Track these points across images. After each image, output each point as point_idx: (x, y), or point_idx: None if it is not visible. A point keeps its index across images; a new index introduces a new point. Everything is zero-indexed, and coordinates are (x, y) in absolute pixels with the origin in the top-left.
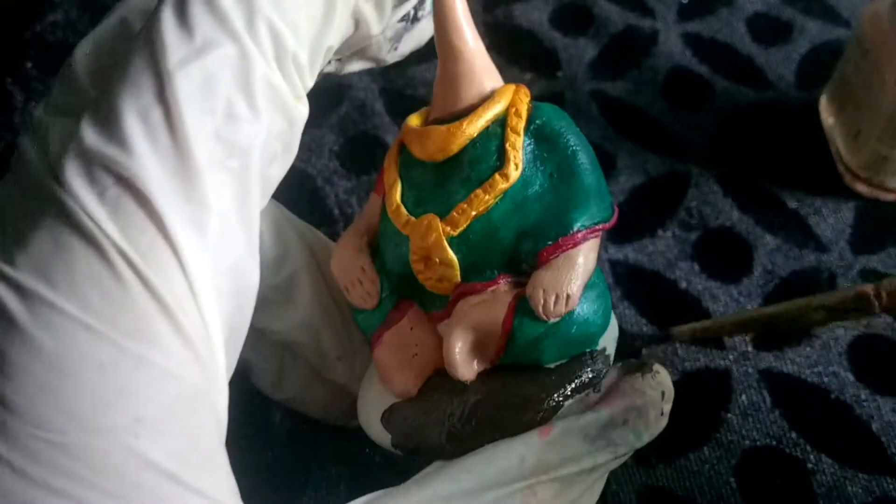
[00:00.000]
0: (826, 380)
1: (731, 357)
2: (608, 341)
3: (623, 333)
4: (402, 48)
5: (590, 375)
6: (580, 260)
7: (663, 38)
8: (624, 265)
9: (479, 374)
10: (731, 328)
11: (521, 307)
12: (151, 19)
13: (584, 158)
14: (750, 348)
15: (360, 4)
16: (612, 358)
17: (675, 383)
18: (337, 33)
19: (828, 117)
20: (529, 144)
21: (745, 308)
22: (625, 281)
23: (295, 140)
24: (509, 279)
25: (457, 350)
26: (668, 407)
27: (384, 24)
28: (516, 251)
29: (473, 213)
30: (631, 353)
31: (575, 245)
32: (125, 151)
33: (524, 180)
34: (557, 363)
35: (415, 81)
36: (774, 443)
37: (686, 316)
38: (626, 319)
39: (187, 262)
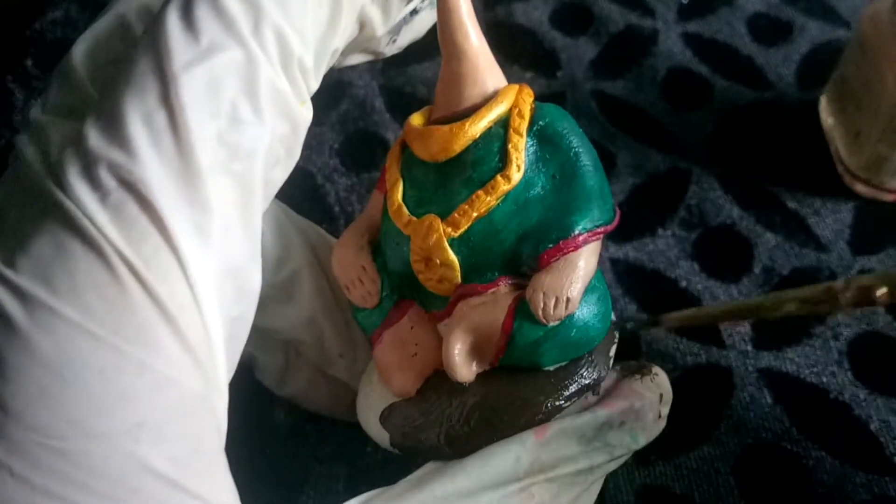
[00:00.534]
0: (825, 379)
1: (731, 355)
2: (608, 344)
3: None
4: (400, 41)
5: (589, 379)
6: (581, 263)
7: (663, 37)
8: (624, 263)
9: (479, 376)
10: (719, 316)
11: (521, 310)
12: (156, 21)
13: (587, 160)
14: (750, 347)
15: (366, 7)
16: (611, 361)
17: (675, 381)
18: (342, 36)
19: (827, 117)
20: (532, 146)
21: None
22: (625, 279)
23: (298, 144)
24: (510, 281)
25: (456, 351)
26: (665, 410)
27: (389, 25)
28: (517, 253)
29: (475, 214)
30: (621, 336)
31: (576, 248)
32: (128, 154)
33: (526, 182)
34: (557, 366)
35: (415, 79)
36: (774, 441)
37: None
38: (627, 315)
39: (189, 266)
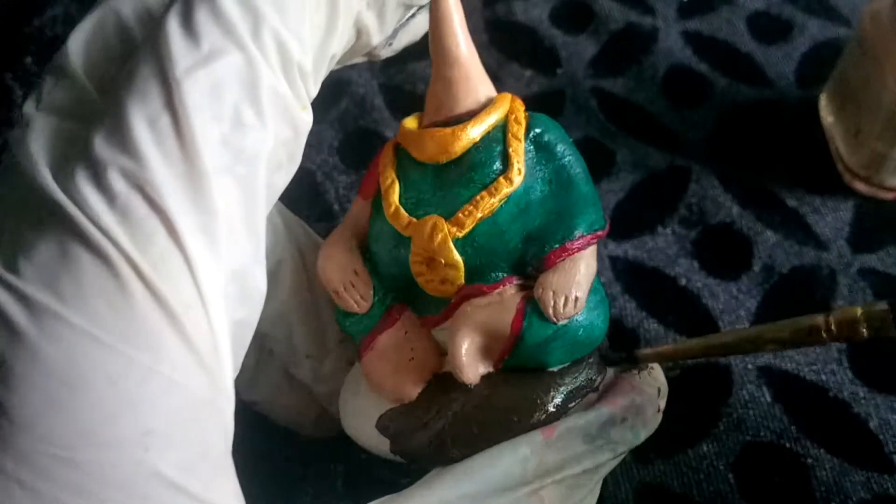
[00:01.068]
0: (824, 377)
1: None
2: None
3: (624, 336)
4: (396, 44)
5: (591, 378)
6: (585, 263)
7: (663, 35)
8: (624, 261)
9: (482, 378)
10: (696, 352)
11: (531, 309)
12: (157, 27)
13: (580, 168)
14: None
15: (362, 13)
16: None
17: (674, 379)
18: (340, 42)
19: (827, 116)
20: (529, 151)
21: (741, 312)
22: (624, 277)
23: (299, 149)
24: (515, 282)
25: (464, 352)
26: (663, 403)
27: (385, 35)
28: (522, 254)
29: (480, 214)
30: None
31: (580, 249)
32: (134, 158)
33: (526, 185)
34: (559, 366)
35: (414, 77)
36: (773, 439)
37: (686, 313)
38: (627, 313)
39: (198, 269)
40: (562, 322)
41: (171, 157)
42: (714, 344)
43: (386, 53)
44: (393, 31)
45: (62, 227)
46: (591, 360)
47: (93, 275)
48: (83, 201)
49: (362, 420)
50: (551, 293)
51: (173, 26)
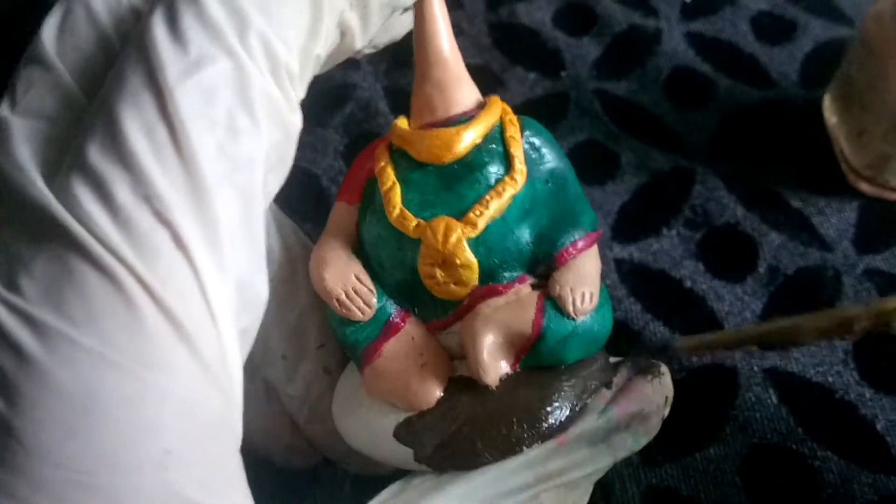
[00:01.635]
0: (831, 379)
1: (736, 355)
2: None
3: (630, 338)
4: (376, 41)
5: (605, 375)
6: (593, 260)
7: (667, 37)
8: (629, 264)
9: (500, 378)
10: (732, 343)
11: (550, 307)
12: (142, 31)
13: (569, 169)
14: (755, 346)
15: (345, 14)
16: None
17: (680, 381)
18: (324, 43)
19: (831, 116)
20: (526, 152)
21: (746, 314)
22: (629, 279)
23: (290, 152)
24: (529, 280)
25: (486, 352)
26: (667, 411)
27: (368, 38)
28: (534, 253)
29: (490, 214)
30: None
31: (588, 246)
32: (134, 170)
33: (528, 186)
34: (575, 364)
35: None
36: (780, 441)
37: (691, 315)
38: (633, 316)
39: (206, 282)
40: (581, 318)
41: (170, 169)
42: (753, 334)
43: (367, 50)
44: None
45: (63, 241)
46: (603, 358)
47: (100, 293)
48: (84, 215)
49: (375, 433)
50: (569, 290)
51: (159, 31)
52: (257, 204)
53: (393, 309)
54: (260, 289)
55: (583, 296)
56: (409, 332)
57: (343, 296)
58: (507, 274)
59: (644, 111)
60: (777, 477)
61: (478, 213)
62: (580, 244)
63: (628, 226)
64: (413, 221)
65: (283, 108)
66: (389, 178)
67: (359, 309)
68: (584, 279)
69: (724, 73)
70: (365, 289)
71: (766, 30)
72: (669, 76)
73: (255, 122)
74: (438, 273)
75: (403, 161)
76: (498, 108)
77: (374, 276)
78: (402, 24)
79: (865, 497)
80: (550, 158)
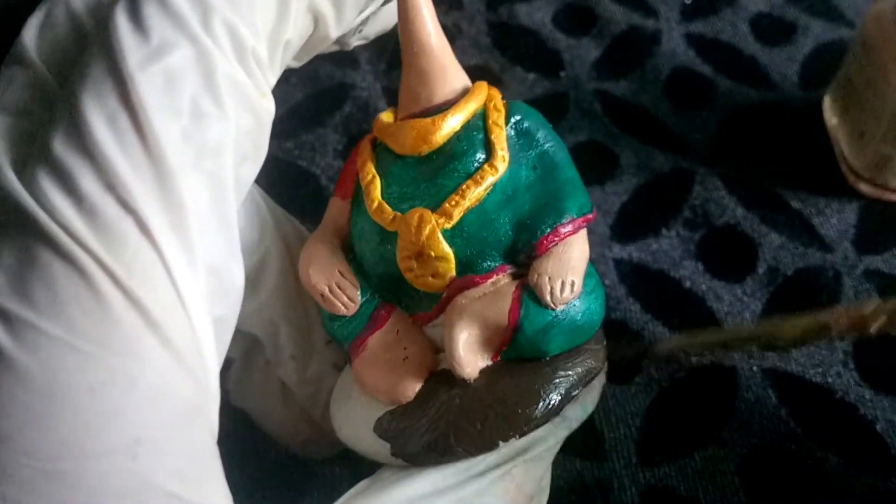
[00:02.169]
0: (830, 379)
1: (735, 355)
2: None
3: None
4: (366, 31)
5: (592, 366)
6: (578, 247)
7: (666, 38)
8: (628, 264)
9: (481, 372)
10: (712, 344)
11: (527, 296)
12: (105, 22)
13: (562, 153)
14: (754, 347)
15: (315, 0)
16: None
17: (679, 381)
18: (295, 28)
19: (831, 118)
20: (511, 138)
21: (746, 315)
22: (629, 280)
23: (264, 139)
24: (508, 270)
25: (461, 345)
26: (604, 378)
27: (345, 26)
28: (514, 241)
29: (467, 204)
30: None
31: (572, 233)
32: (98, 160)
33: (511, 172)
34: (558, 355)
35: None
36: (779, 442)
37: (691, 315)
38: (632, 316)
39: (173, 269)
40: (560, 308)
41: (134, 156)
42: (732, 337)
43: (356, 42)
44: (360, 24)
45: (29, 232)
46: (591, 348)
47: (65, 281)
48: (50, 205)
49: (358, 426)
50: (547, 279)
51: (121, 20)
52: (228, 190)
53: (378, 302)
54: (235, 276)
55: (562, 284)
56: (394, 326)
57: (327, 291)
58: (485, 264)
59: (644, 112)
60: (776, 477)
61: (453, 202)
62: (563, 230)
63: (628, 226)
64: (391, 214)
65: (251, 93)
66: (370, 171)
67: (343, 304)
68: (565, 267)
69: (723, 73)
70: (348, 283)
71: (765, 31)
72: (669, 77)
73: (221, 107)
74: (415, 265)
75: (385, 154)
76: (482, 95)
77: (361, 270)
78: (393, 15)
79: (865, 499)
80: (540, 142)
